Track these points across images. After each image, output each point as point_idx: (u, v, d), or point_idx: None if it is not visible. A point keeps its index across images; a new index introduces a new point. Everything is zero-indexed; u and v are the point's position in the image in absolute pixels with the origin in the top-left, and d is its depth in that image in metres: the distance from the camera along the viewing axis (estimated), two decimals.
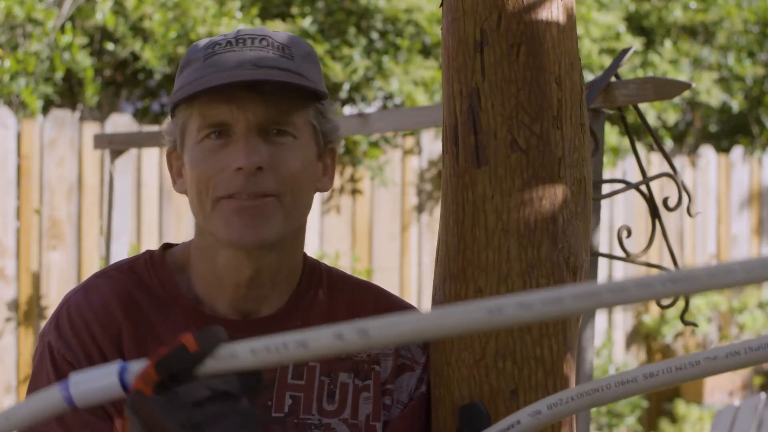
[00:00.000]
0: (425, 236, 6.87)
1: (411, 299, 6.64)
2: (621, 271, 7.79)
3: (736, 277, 1.07)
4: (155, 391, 1.25)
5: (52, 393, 1.26)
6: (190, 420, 1.25)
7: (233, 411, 1.27)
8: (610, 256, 2.51)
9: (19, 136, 5.62)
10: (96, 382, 1.26)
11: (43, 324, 5.59)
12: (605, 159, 7.34)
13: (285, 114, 1.60)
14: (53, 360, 1.62)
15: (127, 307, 1.64)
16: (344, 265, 6.36)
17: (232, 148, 1.58)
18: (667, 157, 2.47)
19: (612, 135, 7.46)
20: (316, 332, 1.20)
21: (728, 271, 1.07)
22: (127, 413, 1.27)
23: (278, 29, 6.69)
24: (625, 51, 2.48)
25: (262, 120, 1.58)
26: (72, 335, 1.61)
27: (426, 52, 7.33)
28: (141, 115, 7.08)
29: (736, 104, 9.03)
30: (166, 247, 1.72)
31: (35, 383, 1.63)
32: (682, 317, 2.51)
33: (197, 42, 1.66)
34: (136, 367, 1.26)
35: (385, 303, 1.75)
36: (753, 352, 1.39)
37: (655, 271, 8.43)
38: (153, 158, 5.89)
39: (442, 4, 1.73)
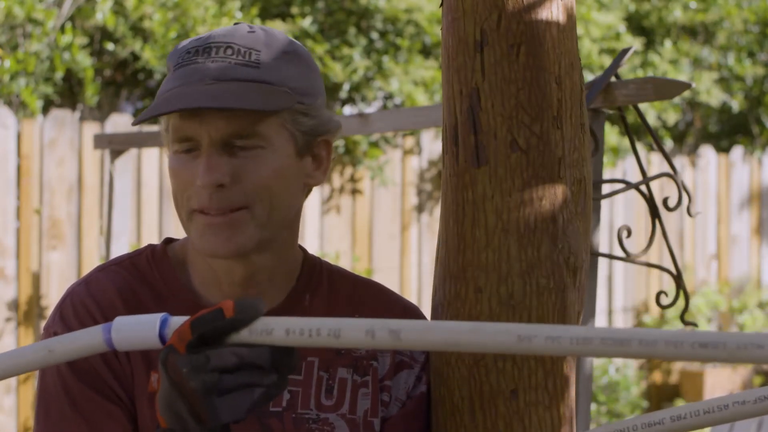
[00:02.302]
0: (425, 236, 6.87)
1: (411, 299, 6.64)
2: (621, 271, 7.80)
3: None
4: (188, 350, 1.29)
5: (95, 333, 1.32)
6: (215, 384, 1.28)
7: (260, 383, 1.30)
8: (610, 256, 2.51)
9: (19, 136, 5.62)
10: (137, 330, 1.31)
11: (43, 324, 5.59)
12: (605, 159, 7.33)
13: (249, 126, 1.57)
14: None
15: (127, 301, 1.64)
16: (344, 265, 6.35)
17: (197, 163, 1.58)
18: (667, 157, 2.47)
19: (612, 135, 7.47)
20: (350, 324, 1.23)
21: (759, 345, 1.08)
22: (160, 368, 1.31)
23: (278, 29, 6.68)
24: (625, 51, 2.48)
25: (224, 134, 1.57)
26: (78, 325, 1.62)
27: (426, 52, 7.33)
28: None
29: (736, 104, 9.03)
30: (168, 241, 1.73)
31: (44, 376, 1.63)
32: (682, 317, 2.51)
33: (179, 44, 1.66)
34: (176, 322, 1.31)
35: (385, 301, 1.74)
36: None
37: (656, 272, 8.38)
38: (153, 158, 5.89)
39: (442, 4, 1.73)
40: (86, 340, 1.33)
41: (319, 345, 1.26)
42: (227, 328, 1.29)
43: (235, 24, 1.67)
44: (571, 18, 1.71)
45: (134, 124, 1.60)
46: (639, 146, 8.43)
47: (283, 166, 1.61)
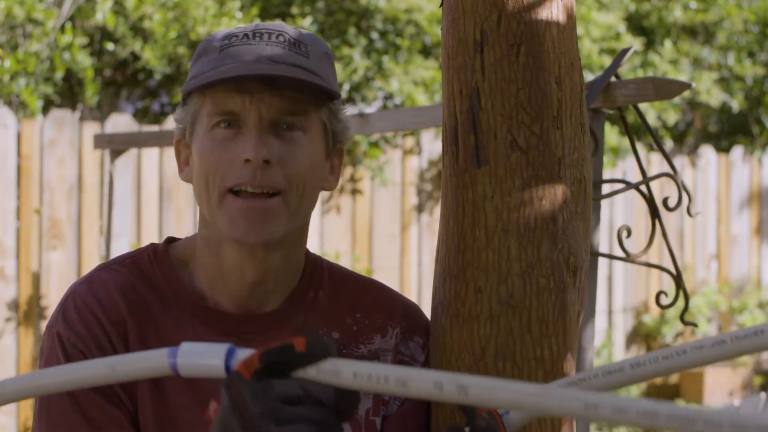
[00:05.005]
0: (425, 236, 6.87)
1: (411, 299, 6.63)
2: (621, 271, 7.79)
3: None
4: (253, 378, 1.29)
5: (160, 356, 1.32)
6: (274, 412, 1.28)
7: (317, 419, 1.28)
8: (610, 256, 2.51)
9: (19, 136, 5.62)
10: (203, 357, 1.31)
11: (43, 324, 5.59)
12: (605, 159, 7.33)
13: (297, 111, 1.61)
14: (64, 350, 1.61)
15: (130, 300, 1.64)
16: (344, 265, 6.35)
17: (242, 139, 1.59)
18: (667, 157, 2.47)
19: (612, 135, 7.46)
20: (418, 374, 1.22)
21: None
22: (222, 391, 1.31)
23: None
24: (625, 51, 2.48)
25: (275, 114, 1.59)
26: (81, 326, 1.61)
27: (426, 52, 7.33)
28: (141, 115, 7.08)
29: (736, 104, 9.03)
30: (170, 240, 1.72)
31: None
32: (682, 317, 2.51)
33: (214, 33, 1.67)
34: (243, 353, 1.31)
35: (386, 299, 1.75)
36: (739, 341, 1.37)
37: (656, 272, 8.34)
38: (153, 158, 5.89)
39: (442, 4, 1.73)
40: (151, 362, 1.32)
41: (386, 392, 1.24)
42: (296, 362, 1.27)
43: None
44: (571, 18, 1.71)
45: (185, 90, 1.61)
46: (639, 146, 8.43)
47: (317, 159, 1.64)
